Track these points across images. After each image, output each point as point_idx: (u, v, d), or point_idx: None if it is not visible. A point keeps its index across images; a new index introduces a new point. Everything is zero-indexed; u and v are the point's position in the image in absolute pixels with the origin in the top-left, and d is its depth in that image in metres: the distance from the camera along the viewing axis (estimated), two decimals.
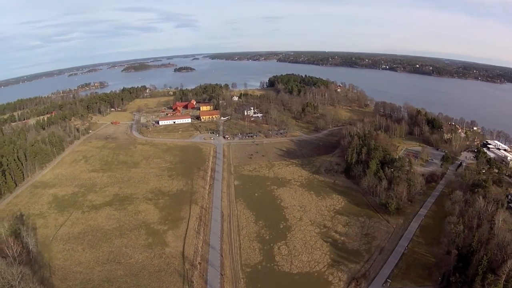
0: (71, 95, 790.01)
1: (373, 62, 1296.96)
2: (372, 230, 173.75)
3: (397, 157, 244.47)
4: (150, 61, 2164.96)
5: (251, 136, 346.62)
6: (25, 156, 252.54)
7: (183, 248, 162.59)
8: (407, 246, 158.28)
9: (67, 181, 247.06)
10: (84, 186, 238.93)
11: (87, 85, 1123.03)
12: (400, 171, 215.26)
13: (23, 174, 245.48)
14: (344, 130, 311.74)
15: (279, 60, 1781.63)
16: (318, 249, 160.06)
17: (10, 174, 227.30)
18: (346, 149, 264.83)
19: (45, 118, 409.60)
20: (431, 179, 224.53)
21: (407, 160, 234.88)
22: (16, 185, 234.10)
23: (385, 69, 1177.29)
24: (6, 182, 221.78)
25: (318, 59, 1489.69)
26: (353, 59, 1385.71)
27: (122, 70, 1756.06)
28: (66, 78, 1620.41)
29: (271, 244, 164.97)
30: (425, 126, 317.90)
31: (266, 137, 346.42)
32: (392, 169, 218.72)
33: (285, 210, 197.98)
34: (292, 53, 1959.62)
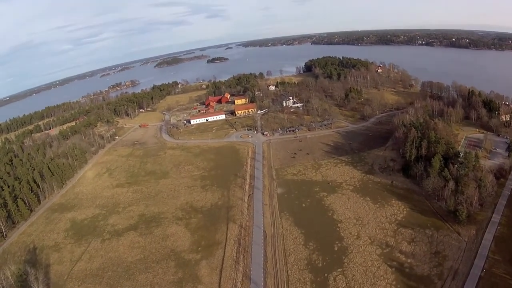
0: (101, 98, 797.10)
1: (409, 38, 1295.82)
2: (442, 247, 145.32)
3: (462, 150, 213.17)
4: (183, 54, 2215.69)
5: (293, 131, 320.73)
6: (41, 176, 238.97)
7: (219, 285, 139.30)
8: (483, 267, 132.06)
9: (88, 201, 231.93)
10: (106, 206, 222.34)
11: (118, 85, 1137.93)
12: (467, 168, 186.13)
13: (39, 198, 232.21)
14: (395, 119, 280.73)
15: (313, 42, 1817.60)
16: (382, 277, 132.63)
17: (23, 200, 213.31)
18: (401, 142, 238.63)
19: (68, 127, 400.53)
20: (499, 175, 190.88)
21: (473, 153, 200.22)
22: (31, 211, 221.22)
23: (422, 44, 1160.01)
24: (19, 210, 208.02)
25: (352, 39, 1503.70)
26: (388, 36, 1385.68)
27: (154, 66, 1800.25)
28: (98, 79, 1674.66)
29: (326, 274, 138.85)
30: (482, 109, 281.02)
31: (309, 130, 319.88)
32: (456, 166, 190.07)
33: (339, 224, 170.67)
34: (325, 35, 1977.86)
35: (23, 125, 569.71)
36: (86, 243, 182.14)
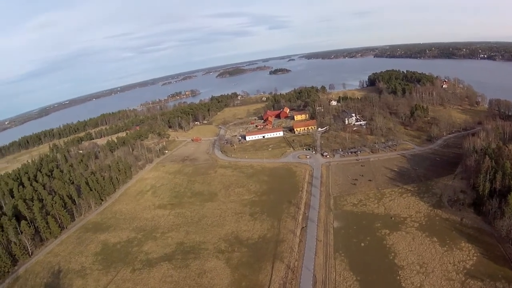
0: (158, 107, 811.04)
1: (470, 51, 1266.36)
2: None
3: None
4: (246, 65, 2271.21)
5: (354, 153, 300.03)
6: (78, 192, 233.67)
7: None
8: None
9: (125, 222, 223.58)
10: (144, 229, 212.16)
11: (178, 94, 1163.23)
12: None
13: (73, 214, 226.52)
14: (465, 142, 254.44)
15: (375, 55, 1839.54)
16: None
17: (54, 217, 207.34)
18: (472, 170, 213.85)
19: (117, 139, 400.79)
20: None
21: None
22: (62, 228, 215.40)
23: (483, 58, 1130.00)
24: (48, 227, 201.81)
25: (414, 52, 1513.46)
26: (450, 49, 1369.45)
27: (216, 76, 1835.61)
28: (159, 88, 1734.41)
29: None
30: None
31: (372, 152, 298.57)
32: None
33: (399, 272, 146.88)
34: (388, 47, 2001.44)
35: (76, 131, 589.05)
36: (114, 272, 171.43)
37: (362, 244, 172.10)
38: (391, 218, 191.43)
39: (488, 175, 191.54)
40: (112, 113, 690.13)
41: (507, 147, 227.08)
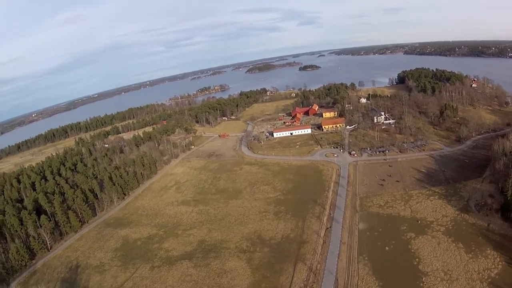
0: (187, 101, 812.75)
1: (500, 50, 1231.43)
2: None
3: None
4: (275, 61, 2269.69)
5: (382, 152, 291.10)
6: (101, 186, 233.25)
7: None
8: None
9: (147, 218, 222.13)
10: (166, 226, 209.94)
11: (207, 89, 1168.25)
12: None
13: (94, 209, 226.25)
14: (495, 144, 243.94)
15: (405, 52, 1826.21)
16: None
17: (74, 211, 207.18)
18: (501, 174, 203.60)
19: (142, 133, 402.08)
20: None
21: None
22: (83, 223, 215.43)
23: None
24: (69, 221, 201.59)
25: (444, 49, 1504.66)
26: (480, 47, 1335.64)
27: (246, 71, 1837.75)
28: (188, 82, 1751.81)
29: None
30: None
31: (400, 152, 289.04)
32: None
33: (423, 278, 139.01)
34: (417, 45, 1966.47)
35: (103, 125, 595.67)
36: (133, 268, 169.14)
37: (387, 248, 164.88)
38: (417, 221, 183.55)
39: None
40: (140, 107, 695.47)
41: None
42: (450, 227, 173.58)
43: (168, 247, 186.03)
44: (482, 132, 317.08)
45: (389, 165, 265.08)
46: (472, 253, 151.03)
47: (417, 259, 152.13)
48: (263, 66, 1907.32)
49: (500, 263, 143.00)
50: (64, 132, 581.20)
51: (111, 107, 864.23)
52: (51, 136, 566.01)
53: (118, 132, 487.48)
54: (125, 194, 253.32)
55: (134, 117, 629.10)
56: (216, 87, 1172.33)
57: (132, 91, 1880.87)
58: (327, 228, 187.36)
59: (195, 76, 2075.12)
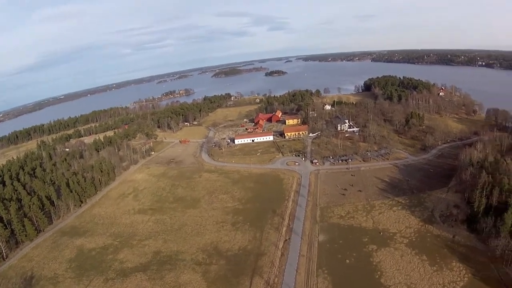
0: (151, 105, 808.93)
1: (469, 59, 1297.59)
2: None
3: None
4: (242, 65, 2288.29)
5: (345, 160, 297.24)
6: (58, 193, 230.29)
7: None
8: None
9: (103, 227, 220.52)
10: (121, 236, 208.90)
11: (172, 93, 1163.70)
12: None
13: (51, 217, 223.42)
14: (462, 154, 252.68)
15: (373, 59, 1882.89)
16: None
17: (30, 219, 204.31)
18: (467, 184, 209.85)
19: (103, 138, 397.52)
20: None
21: None
22: (39, 231, 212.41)
23: (481, 65, 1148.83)
24: (24, 229, 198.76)
25: (413, 57, 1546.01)
26: (448, 56, 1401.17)
27: (212, 76, 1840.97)
28: (154, 86, 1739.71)
29: None
30: None
31: (363, 160, 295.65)
32: None
33: None
34: (386, 52, 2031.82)
35: (66, 128, 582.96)
36: (86, 281, 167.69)
37: (347, 261, 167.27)
38: (380, 233, 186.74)
39: (484, 191, 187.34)
40: (104, 110, 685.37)
41: (505, 160, 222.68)
42: (414, 239, 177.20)
43: (123, 258, 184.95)
44: (448, 140, 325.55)
45: (352, 174, 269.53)
46: (437, 265, 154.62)
47: (379, 272, 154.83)
48: (230, 71, 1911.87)
49: (466, 275, 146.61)
50: (27, 134, 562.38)
51: (77, 109, 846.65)
52: (14, 138, 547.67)
53: (80, 136, 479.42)
54: (82, 202, 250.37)
55: (97, 120, 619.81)
56: (181, 91, 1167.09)
57: (99, 93, 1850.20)
58: (286, 239, 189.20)
59: (161, 80, 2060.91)
